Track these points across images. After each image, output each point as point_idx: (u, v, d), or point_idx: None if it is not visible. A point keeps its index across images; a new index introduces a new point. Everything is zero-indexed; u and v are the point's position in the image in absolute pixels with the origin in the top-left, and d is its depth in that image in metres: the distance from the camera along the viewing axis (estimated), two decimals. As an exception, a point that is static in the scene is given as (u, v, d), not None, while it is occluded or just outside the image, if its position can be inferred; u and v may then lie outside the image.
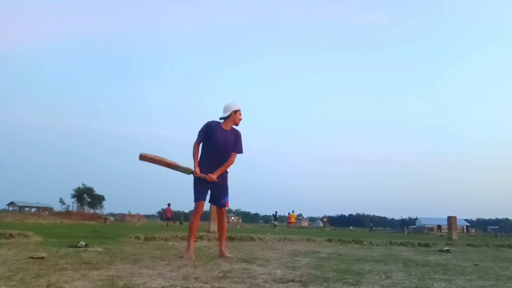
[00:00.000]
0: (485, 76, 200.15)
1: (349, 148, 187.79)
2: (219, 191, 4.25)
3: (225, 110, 4.26)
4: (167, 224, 22.57)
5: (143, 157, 4.04)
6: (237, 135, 4.28)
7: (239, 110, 4.28)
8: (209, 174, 4.09)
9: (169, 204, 25.91)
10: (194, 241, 4.37)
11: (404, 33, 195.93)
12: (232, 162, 4.23)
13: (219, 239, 4.47)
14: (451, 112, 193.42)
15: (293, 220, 31.63)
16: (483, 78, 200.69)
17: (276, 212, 32.42)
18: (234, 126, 4.30)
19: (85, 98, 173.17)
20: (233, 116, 4.24)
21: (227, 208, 4.42)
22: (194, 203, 4.17)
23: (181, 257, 3.98)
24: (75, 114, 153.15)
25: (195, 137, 4.24)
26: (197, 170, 4.11)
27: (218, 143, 4.16)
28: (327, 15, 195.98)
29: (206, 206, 4.42)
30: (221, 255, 4.26)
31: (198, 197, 4.14)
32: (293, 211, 32.68)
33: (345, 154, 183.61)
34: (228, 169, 4.26)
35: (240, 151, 4.29)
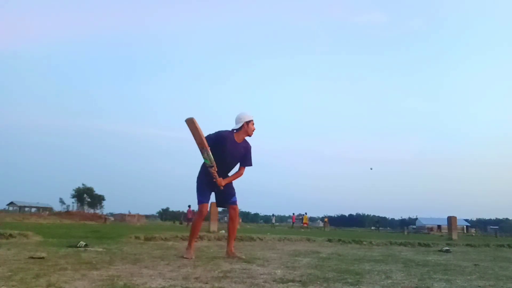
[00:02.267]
0: (486, 75, 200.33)
1: (349, 147, 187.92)
2: (230, 190, 4.18)
3: (237, 121, 4.15)
4: (187, 224, 23.32)
5: (190, 122, 3.92)
6: (247, 149, 4.18)
7: (252, 120, 4.16)
8: (220, 179, 4.01)
9: (189, 206, 27.14)
10: (195, 241, 4.34)
11: (404, 33, 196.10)
12: (240, 175, 4.18)
13: (229, 238, 4.32)
14: (452, 112, 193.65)
15: (305, 221, 34.97)
16: (483, 77, 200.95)
17: (306, 213, 36.41)
18: (247, 138, 4.19)
19: (86, 97, 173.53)
20: (246, 127, 4.13)
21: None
22: (198, 205, 4.08)
23: (182, 256, 3.96)
24: (76, 114, 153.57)
25: None
26: (216, 168, 4.00)
27: (226, 156, 4.05)
28: (328, 16, 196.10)
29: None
30: (231, 255, 4.13)
31: (203, 199, 4.08)
32: (306, 213, 36.16)
33: (345, 154, 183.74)
34: None
35: (250, 164, 4.22)
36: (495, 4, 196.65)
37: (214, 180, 4.00)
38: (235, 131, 4.15)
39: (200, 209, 4.11)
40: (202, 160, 4.11)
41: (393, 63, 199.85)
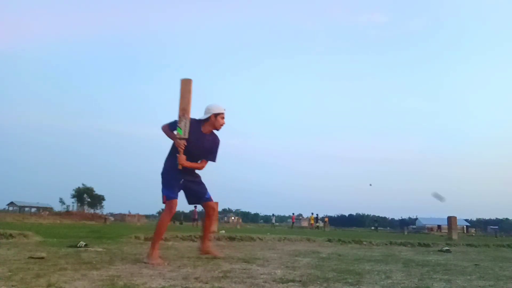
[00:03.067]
0: (486, 75, 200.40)
1: (349, 147, 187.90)
2: (201, 187, 3.92)
3: (205, 112, 3.83)
4: (196, 225, 23.60)
5: (187, 82, 3.76)
6: (215, 142, 3.89)
7: (222, 113, 3.82)
8: (183, 156, 3.67)
9: (195, 207, 27.71)
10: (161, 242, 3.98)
11: (404, 33, 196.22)
12: (201, 168, 3.90)
13: (204, 235, 4.07)
14: (452, 112, 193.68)
15: (312, 221, 36.57)
16: (484, 77, 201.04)
17: (317, 214, 38.15)
18: (214, 131, 3.89)
19: (87, 97, 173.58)
20: (213, 120, 3.79)
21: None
22: (165, 202, 3.68)
23: (146, 262, 3.37)
24: (76, 114, 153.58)
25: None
26: (185, 143, 3.68)
27: (190, 146, 3.72)
28: (328, 16, 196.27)
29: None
30: (209, 252, 3.95)
31: (174, 195, 3.70)
32: (312, 213, 37.85)
33: (345, 154, 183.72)
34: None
35: (213, 160, 3.91)
36: (495, 4, 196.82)
37: (178, 154, 3.67)
38: (201, 121, 3.83)
39: (170, 206, 3.69)
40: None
41: (393, 63, 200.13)
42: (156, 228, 3.73)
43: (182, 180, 3.78)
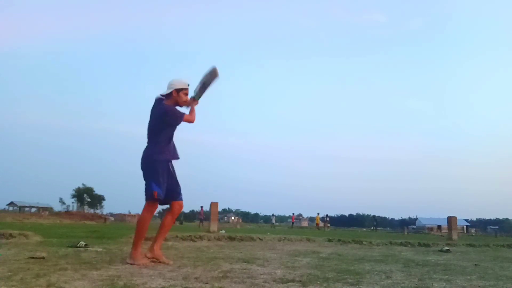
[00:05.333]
0: (486, 74, 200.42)
1: (350, 147, 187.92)
2: (177, 183, 3.59)
3: (168, 87, 3.56)
4: (201, 225, 23.81)
5: (215, 72, 3.68)
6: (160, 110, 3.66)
7: (185, 89, 3.56)
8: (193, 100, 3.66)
9: (202, 207, 28.04)
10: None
11: (404, 33, 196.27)
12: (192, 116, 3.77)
13: (158, 235, 3.61)
14: (452, 112, 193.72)
15: (317, 221, 36.56)
16: (484, 77, 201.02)
17: (326, 215, 37.70)
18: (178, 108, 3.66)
19: (88, 97, 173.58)
20: (175, 96, 3.53)
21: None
22: (149, 199, 3.41)
23: (129, 263, 3.32)
24: (76, 114, 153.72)
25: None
26: (197, 103, 3.67)
27: (152, 122, 3.56)
28: (328, 16, 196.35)
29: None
30: (155, 257, 3.49)
31: (162, 194, 3.41)
32: (318, 214, 37.31)
33: (345, 154, 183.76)
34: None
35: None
36: (495, 3, 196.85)
37: (188, 102, 3.62)
38: (163, 97, 3.59)
39: (153, 204, 3.46)
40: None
41: (393, 63, 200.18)
42: (137, 227, 3.47)
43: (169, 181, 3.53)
